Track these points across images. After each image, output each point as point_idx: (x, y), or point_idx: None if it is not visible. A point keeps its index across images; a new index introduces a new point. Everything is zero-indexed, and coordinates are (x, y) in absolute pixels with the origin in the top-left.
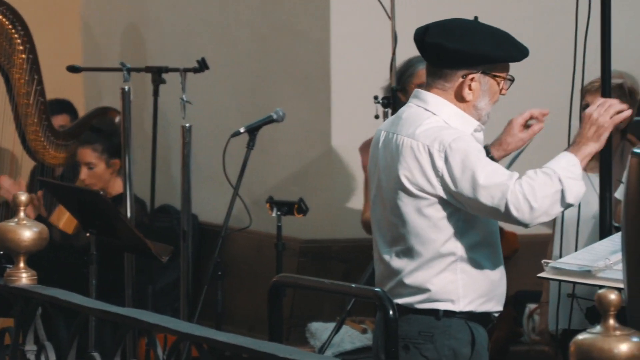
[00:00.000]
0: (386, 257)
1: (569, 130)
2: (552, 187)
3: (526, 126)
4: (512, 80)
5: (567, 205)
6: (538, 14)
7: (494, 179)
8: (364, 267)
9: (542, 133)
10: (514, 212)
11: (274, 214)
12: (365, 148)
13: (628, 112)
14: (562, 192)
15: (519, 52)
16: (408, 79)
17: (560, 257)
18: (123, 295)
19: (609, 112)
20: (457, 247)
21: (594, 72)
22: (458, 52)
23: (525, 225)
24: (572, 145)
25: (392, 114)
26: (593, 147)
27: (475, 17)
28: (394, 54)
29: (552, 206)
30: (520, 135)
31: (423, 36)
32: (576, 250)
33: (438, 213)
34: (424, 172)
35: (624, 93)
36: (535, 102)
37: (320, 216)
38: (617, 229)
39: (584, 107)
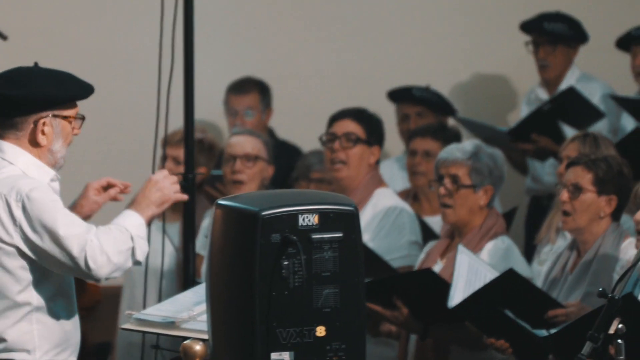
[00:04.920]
0: None
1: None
2: (125, 243)
3: (105, 189)
4: (82, 118)
5: (135, 262)
6: (125, 71)
7: (72, 230)
8: None
9: (126, 179)
10: (91, 264)
11: None
12: None
13: (184, 197)
14: (133, 249)
15: (84, 89)
16: None
17: (145, 307)
18: None
19: (175, 187)
20: (34, 297)
21: (177, 122)
22: (24, 99)
23: (98, 280)
24: (135, 204)
25: None
26: (154, 211)
27: (35, 63)
28: None
29: (126, 262)
30: (95, 198)
31: None
32: (160, 301)
33: (15, 262)
34: (1, 222)
35: (204, 147)
36: (120, 152)
37: None
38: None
39: (162, 157)
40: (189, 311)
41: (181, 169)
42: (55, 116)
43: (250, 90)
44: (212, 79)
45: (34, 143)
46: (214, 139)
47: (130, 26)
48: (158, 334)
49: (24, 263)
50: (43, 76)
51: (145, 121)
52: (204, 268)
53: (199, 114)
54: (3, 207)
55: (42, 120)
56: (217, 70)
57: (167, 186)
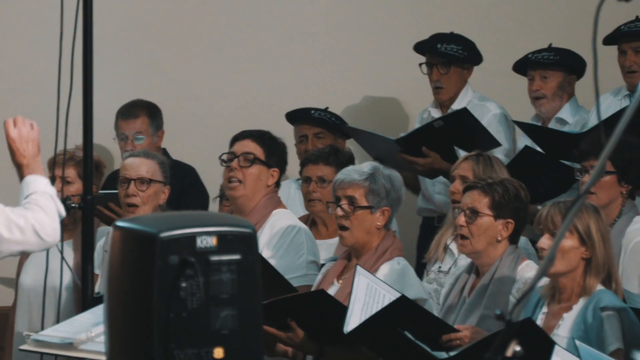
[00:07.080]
0: None
1: None
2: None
3: None
4: None
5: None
6: (23, 93)
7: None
8: None
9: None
10: (43, 236)
11: None
12: None
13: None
14: (58, 207)
15: None
16: None
17: (43, 328)
18: None
19: (26, 125)
20: None
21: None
22: None
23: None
24: (26, 168)
25: None
26: (39, 160)
27: None
28: None
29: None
30: None
31: None
32: (58, 321)
33: None
34: None
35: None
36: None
37: None
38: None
39: (51, 179)
40: (87, 332)
41: (71, 188)
42: None
43: (139, 115)
44: (109, 101)
45: None
46: (99, 157)
47: (29, 49)
48: (56, 355)
49: None
50: None
51: (43, 143)
52: (98, 286)
53: (96, 137)
54: None
55: None
56: (115, 92)
57: (27, 132)
